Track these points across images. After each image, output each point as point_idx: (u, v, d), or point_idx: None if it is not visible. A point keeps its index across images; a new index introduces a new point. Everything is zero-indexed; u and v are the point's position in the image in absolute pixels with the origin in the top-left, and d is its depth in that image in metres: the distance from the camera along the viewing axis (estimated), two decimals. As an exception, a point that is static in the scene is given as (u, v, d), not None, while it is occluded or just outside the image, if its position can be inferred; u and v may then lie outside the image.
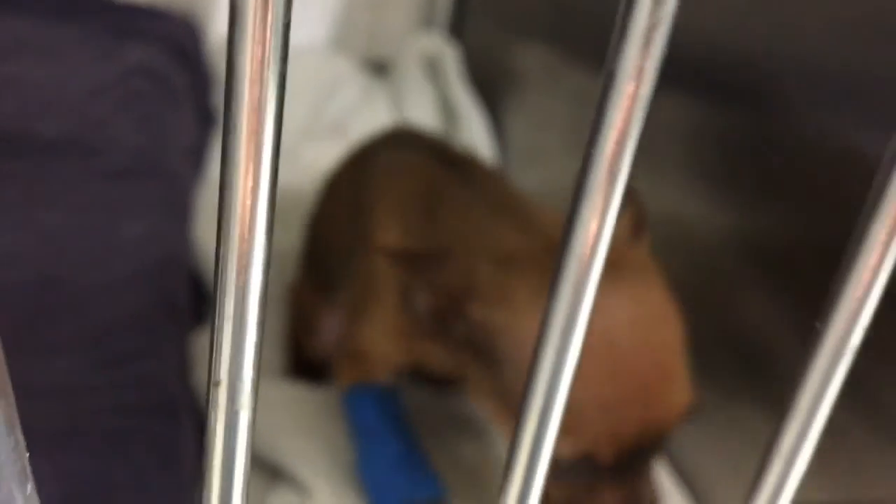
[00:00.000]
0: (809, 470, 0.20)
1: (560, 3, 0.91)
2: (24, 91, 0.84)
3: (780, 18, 0.56)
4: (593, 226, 0.13)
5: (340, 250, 0.64)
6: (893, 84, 0.47)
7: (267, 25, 0.12)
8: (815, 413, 0.17)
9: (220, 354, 0.13)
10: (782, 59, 0.56)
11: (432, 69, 1.17)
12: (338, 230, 0.66)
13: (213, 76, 1.15)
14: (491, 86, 1.12)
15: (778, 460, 0.18)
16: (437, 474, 0.55)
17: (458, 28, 1.26)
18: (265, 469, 0.60)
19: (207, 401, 0.13)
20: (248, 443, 0.13)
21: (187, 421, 0.55)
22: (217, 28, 1.20)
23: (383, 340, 0.56)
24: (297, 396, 0.66)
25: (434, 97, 1.13)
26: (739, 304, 0.62)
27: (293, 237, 0.88)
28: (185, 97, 0.99)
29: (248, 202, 0.12)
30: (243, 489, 0.15)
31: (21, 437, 0.13)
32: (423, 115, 1.11)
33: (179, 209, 0.77)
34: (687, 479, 0.66)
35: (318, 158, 1.01)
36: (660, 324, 0.44)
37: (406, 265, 0.49)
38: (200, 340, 0.68)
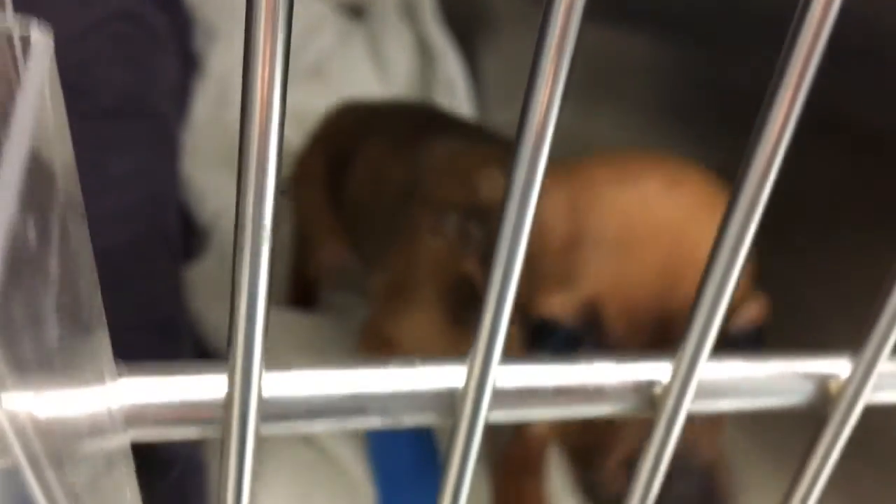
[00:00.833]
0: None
1: None
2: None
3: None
4: (545, 95, 0.15)
5: (380, 224, 0.60)
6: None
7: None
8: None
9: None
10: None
11: (408, 11, 1.17)
12: (380, 203, 0.62)
13: (193, 20, 1.15)
14: (465, 26, 1.13)
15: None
16: None
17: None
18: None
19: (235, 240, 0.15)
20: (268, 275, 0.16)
21: (187, 340, 0.57)
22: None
23: (421, 337, 0.51)
24: (291, 320, 0.69)
25: (410, 39, 1.14)
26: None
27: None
28: (168, 40, 0.99)
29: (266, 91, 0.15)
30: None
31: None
32: (399, 56, 1.12)
33: (166, 147, 0.79)
34: None
35: (298, 101, 1.03)
36: (710, 213, 0.37)
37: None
38: (194, 270, 0.70)
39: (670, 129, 0.69)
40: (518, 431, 0.57)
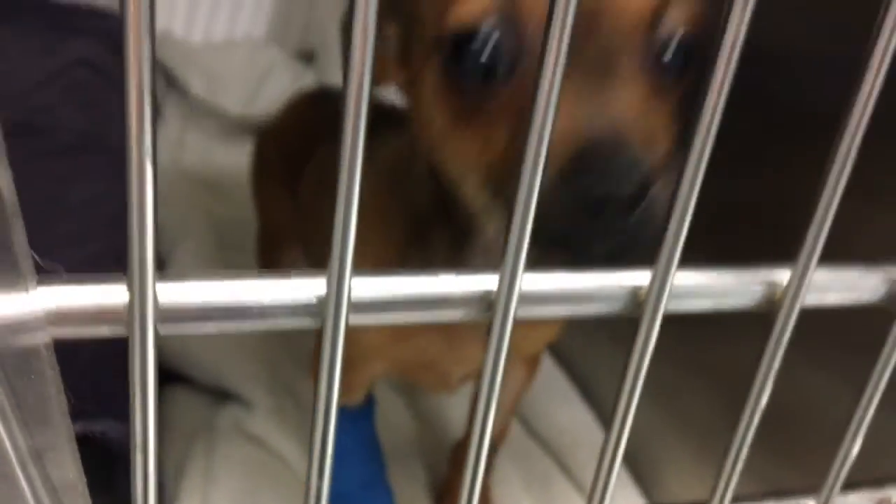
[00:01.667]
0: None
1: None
2: (-27, 86, 0.88)
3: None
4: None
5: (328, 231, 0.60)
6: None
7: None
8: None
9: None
10: None
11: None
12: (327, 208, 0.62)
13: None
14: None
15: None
16: (393, 493, 0.56)
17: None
18: (212, 394, 0.66)
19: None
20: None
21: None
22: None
23: (372, 353, 0.47)
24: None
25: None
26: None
27: (233, 208, 0.94)
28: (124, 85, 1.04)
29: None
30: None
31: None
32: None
33: (123, 178, 0.83)
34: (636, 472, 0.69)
35: (252, 140, 1.08)
36: None
37: None
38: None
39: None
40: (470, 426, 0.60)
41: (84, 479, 0.23)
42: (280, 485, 0.58)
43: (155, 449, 0.22)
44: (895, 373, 0.34)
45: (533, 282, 0.24)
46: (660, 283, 0.24)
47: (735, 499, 0.31)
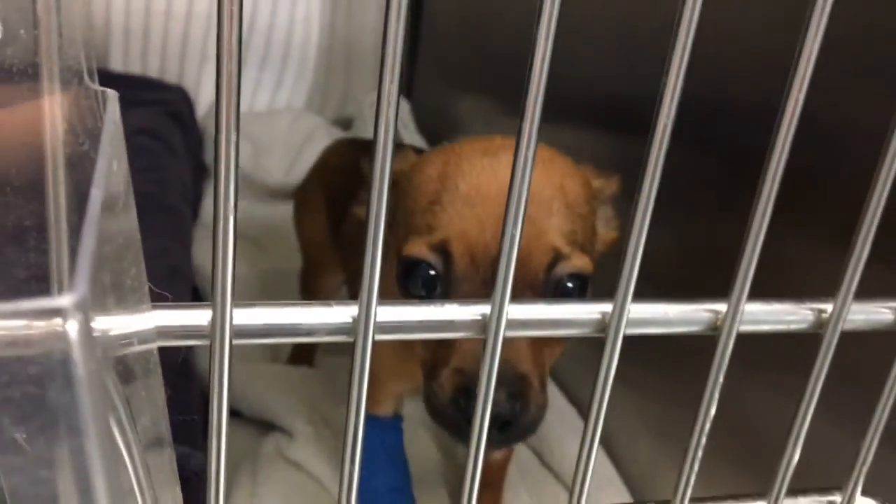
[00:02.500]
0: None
1: (490, 66, 1.07)
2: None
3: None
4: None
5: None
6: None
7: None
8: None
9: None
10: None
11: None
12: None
13: (204, 136, 1.30)
14: (436, 133, 1.27)
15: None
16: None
17: (409, 87, 1.43)
18: (258, 425, 0.73)
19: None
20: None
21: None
22: (204, 96, 1.36)
23: (390, 371, 0.57)
24: (285, 371, 0.79)
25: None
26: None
27: (274, 262, 1.02)
28: (182, 152, 1.13)
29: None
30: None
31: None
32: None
33: (181, 235, 0.91)
34: (622, 469, 0.74)
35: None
36: (548, 179, 0.45)
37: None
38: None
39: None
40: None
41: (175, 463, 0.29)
42: (317, 502, 0.64)
43: (226, 440, 0.29)
44: (853, 397, 0.39)
45: (520, 311, 0.30)
46: (619, 310, 0.31)
47: (695, 499, 0.36)
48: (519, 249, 0.33)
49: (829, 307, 0.33)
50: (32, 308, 0.14)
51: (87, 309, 0.15)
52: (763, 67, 0.55)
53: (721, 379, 0.33)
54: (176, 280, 0.78)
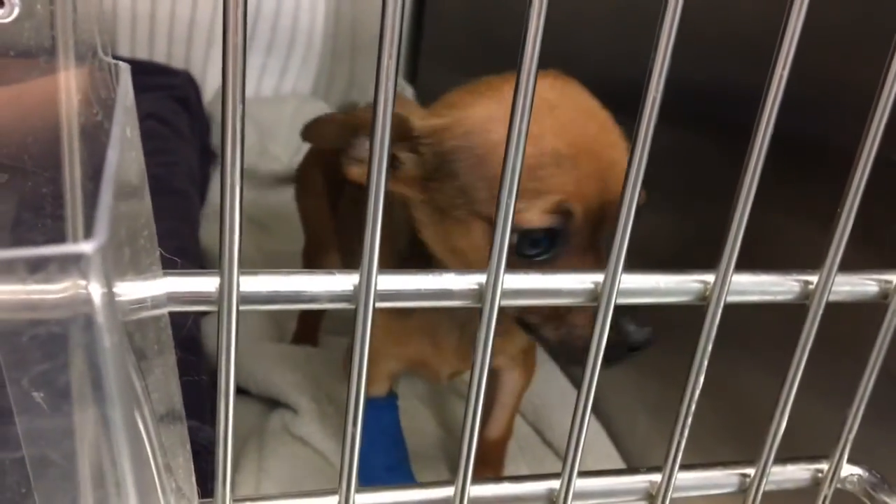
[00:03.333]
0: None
1: (494, 52, 1.07)
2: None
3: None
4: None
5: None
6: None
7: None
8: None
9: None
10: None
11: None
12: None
13: (211, 121, 1.31)
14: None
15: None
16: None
17: (414, 73, 1.44)
18: (264, 402, 0.74)
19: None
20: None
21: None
22: (211, 81, 1.37)
23: (383, 351, 0.59)
24: (290, 350, 0.80)
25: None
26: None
27: (279, 243, 1.03)
28: (189, 136, 1.14)
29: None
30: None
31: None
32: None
33: (189, 216, 0.92)
34: (620, 446, 0.76)
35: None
36: (599, 108, 0.47)
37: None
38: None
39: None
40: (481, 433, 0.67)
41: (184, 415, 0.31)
42: (321, 475, 0.66)
43: (234, 413, 0.30)
44: (841, 370, 0.40)
45: (514, 280, 0.32)
46: (611, 280, 0.32)
47: (685, 466, 0.37)
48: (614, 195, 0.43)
49: (814, 279, 0.34)
50: (53, 254, 0.15)
51: (108, 258, 0.16)
52: (755, 50, 0.56)
53: (710, 347, 0.34)
54: (185, 260, 0.80)
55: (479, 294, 0.31)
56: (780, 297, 0.35)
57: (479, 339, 0.31)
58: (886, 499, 0.39)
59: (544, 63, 0.28)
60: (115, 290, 0.20)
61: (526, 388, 0.66)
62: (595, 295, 0.32)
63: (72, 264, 0.15)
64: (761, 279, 0.35)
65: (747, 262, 0.33)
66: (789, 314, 0.35)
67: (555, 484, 0.35)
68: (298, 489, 0.63)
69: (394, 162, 0.48)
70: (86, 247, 0.15)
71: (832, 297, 0.35)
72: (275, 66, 1.44)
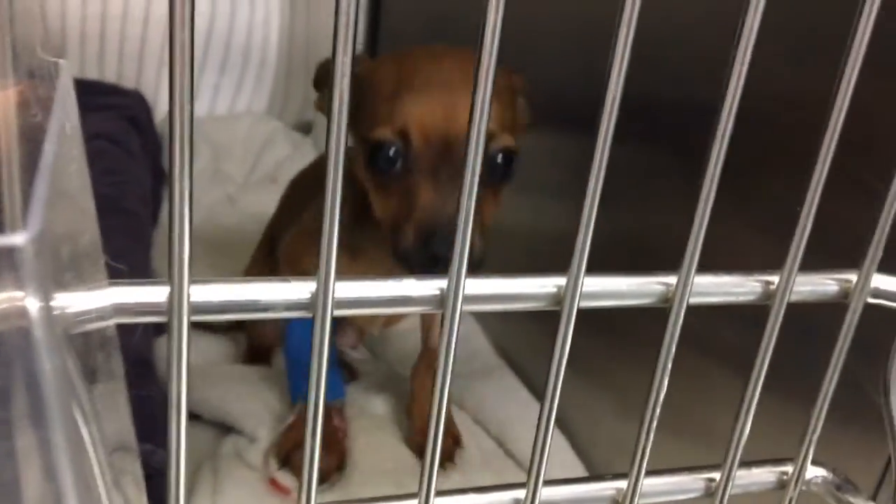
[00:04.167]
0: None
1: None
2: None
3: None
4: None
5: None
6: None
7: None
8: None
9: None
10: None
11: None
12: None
13: (163, 142, 1.28)
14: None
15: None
16: (345, 385, 0.74)
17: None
18: (217, 427, 0.72)
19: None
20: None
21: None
22: (163, 101, 1.35)
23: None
24: (244, 372, 0.78)
25: (352, 146, 1.28)
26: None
27: (235, 264, 1.01)
28: (140, 156, 1.12)
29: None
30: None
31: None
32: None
33: (139, 237, 0.90)
34: (583, 455, 0.76)
35: (253, 203, 1.16)
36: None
37: None
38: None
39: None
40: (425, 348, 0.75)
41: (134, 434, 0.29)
42: (277, 498, 0.64)
43: (186, 433, 0.28)
44: (805, 372, 0.40)
45: (475, 285, 0.31)
46: (573, 283, 0.31)
47: (651, 472, 0.37)
48: (459, 132, 0.52)
49: (776, 279, 0.34)
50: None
51: (44, 253, 0.15)
52: (706, 65, 0.57)
53: (673, 350, 0.34)
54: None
55: (441, 299, 0.30)
56: (741, 298, 0.35)
57: (443, 343, 0.31)
58: (851, 499, 0.40)
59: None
60: (56, 300, 0.19)
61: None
62: (558, 299, 0.32)
63: (2, 259, 0.14)
64: (723, 280, 0.35)
65: (708, 268, 0.33)
66: (752, 314, 0.35)
67: (520, 494, 0.35)
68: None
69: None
70: (17, 238, 0.14)
71: (793, 298, 0.35)
72: (229, 85, 1.43)
